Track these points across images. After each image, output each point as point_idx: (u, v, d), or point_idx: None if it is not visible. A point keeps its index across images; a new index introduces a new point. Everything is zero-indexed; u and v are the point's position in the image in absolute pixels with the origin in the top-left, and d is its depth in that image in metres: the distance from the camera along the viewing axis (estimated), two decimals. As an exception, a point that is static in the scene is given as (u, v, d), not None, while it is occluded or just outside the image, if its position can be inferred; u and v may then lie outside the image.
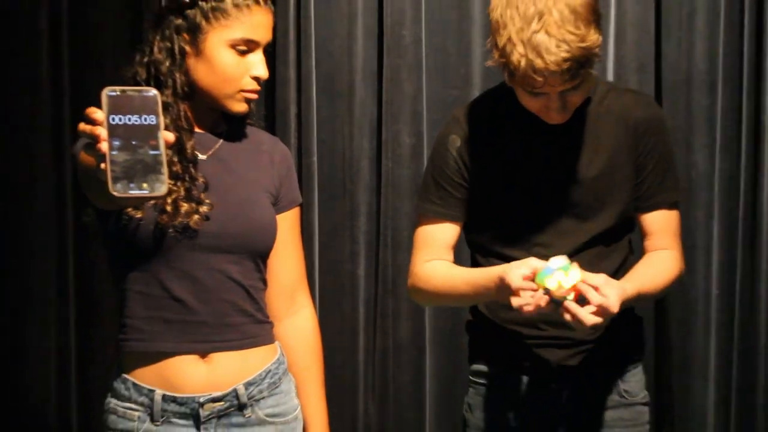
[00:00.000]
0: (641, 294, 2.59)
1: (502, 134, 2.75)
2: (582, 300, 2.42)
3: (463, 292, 2.70)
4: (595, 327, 2.44)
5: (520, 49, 2.44)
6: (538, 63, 2.43)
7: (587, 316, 2.41)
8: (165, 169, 1.89)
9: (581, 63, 2.46)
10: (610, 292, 2.43)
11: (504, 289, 2.48)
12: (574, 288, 2.42)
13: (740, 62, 3.89)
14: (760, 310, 3.91)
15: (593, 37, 2.48)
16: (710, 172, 3.93)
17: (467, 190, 2.76)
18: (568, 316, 2.43)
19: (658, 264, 2.73)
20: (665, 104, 3.93)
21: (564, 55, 2.42)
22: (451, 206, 2.78)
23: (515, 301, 2.44)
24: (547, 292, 2.41)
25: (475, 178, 2.76)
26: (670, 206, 2.79)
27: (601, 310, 2.41)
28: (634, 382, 2.82)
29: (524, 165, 2.72)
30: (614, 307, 2.42)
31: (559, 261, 2.44)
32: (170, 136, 1.93)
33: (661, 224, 2.78)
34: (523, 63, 2.44)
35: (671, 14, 3.94)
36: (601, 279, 2.45)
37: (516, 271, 2.45)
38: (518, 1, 2.47)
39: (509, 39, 2.46)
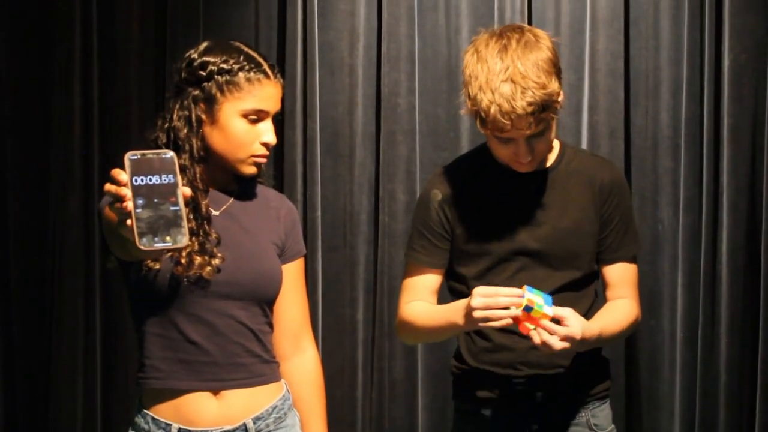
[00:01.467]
0: (603, 334, 2.63)
1: (480, 190, 2.78)
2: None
3: (436, 324, 2.73)
4: (563, 351, 2.49)
5: (489, 96, 2.51)
6: (506, 107, 2.49)
7: (557, 341, 2.47)
8: (185, 222, 1.92)
9: (543, 107, 2.53)
10: (574, 323, 2.49)
11: (470, 315, 2.54)
12: (546, 316, 2.48)
13: (700, 129, 3.90)
14: (721, 351, 3.89)
15: (553, 86, 2.55)
16: (675, 227, 3.93)
17: (448, 240, 2.79)
18: (537, 339, 2.47)
19: (618, 311, 2.76)
20: (634, 166, 3.95)
21: (528, 99, 2.50)
22: (433, 255, 2.80)
23: (490, 323, 2.50)
24: (527, 308, 2.47)
25: (455, 229, 2.78)
26: (630, 260, 2.81)
27: (566, 338, 2.47)
28: (603, 416, 2.82)
29: (500, 217, 2.75)
30: (578, 335, 2.49)
31: (536, 291, 2.51)
32: (187, 191, 1.95)
33: (621, 276, 2.80)
34: (492, 108, 2.51)
35: (639, 86, 3.95)
36: (567, 311, 2.51)
37: (479, 297, 2.51)
38: (487, 56, 2.55)
39: (480, 88, 2.53)
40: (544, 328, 2.48)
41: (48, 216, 3.95)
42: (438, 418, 3.89)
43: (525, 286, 2.52)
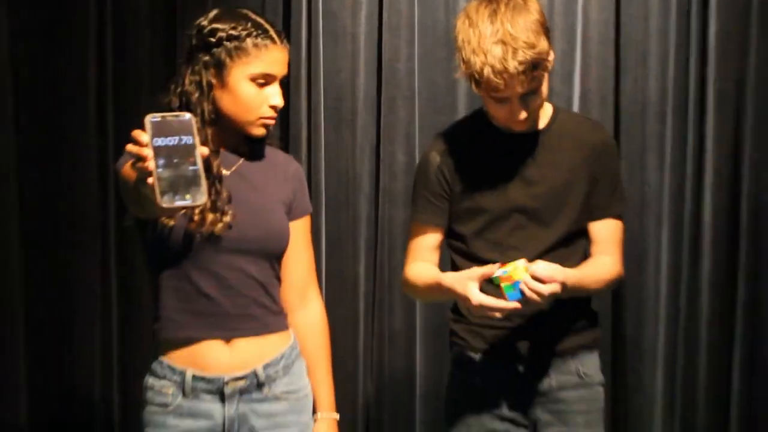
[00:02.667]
0: (582, 282, 2.65)
1: (477, 151, 2.78)
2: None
3: (429, 291, 2.76)
4: (551, 298, 2.51)
5: (482, 58, 2.52)
6: (498, 67, 2.51)
7: (545, 287, 2.48)
8: (204, 181, 1.93)
9: (534, 66, 2.55)
10: (553, 267, 2.52)
11: (456, 295, 2.58)
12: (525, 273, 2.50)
13: (686, 95, 3.90)
14: (702, 305, 3.91)
15: (542, 45, 2.57)
16: (660, 187, 3.93)
17: (447, 200, 2.80)
18: (529, 293, 2.49)
19: (600, 266, 2.77)
20: (623, 130, 3.94)
21: (519, 59, 2.52)
22: (434, 214, 2.81)
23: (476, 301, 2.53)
24: (498, 286, 2.50)
25: (453, 188, 2.79)
26: (616, 217, 2.82)
27: (551, 281, 2.49)
28: (592, 365, 2.84)
29: (496, 177, 2.75)
30: (560, 274, 2.51)
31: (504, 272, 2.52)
32: (205, 150, 1.96)
33: (606, 232, 2.81)
34: (486, 70, 2.52)
35: (628, 54, 3.94)
36: (540, 264, 2.53)
37: (474, 293, 2.53)
38: (478, 21, 2.56)
39: (473, 51, 2.54)
40: (528, 286, 2.50)
41: (65, 178, 3.96)
42: (435, 366, 3.91)
43: (497, 265, 2.53)
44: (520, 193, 2.75)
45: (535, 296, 2.49)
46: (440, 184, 2.80)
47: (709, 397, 3.94)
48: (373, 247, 4.04)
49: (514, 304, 2.50)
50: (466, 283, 2.55)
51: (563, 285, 2.52)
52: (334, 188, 4.02)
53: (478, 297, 2.52)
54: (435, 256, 2.85)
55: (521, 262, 2.52)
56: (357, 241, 4.04)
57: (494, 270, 2.52)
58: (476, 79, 2.57)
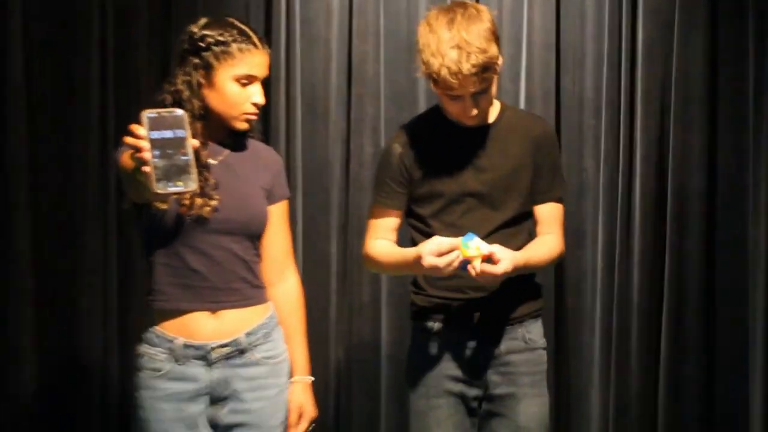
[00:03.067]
0: (529, 262, 2.67)
1: (434, 143, 2.79)
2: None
3: (397, 265, 2.76)
4: (500, 277, 2.55)
5: (439, 60, 2.53)
6: (454, 69, 2.52)
7: (496, 267, 2.51)
8: (194, 170, 1.93)
9: (485, 68, 2.56)
10: (503, 255, 2.53)
11: (421, 266, 2.57)
12: (484, 254, 2.52)
13: (618, 93, 3.92)
14: (634, 277, 3.94)
15: (493, 50, 2.59)
16: (597, 174, 3.94)
17: (407, 186, 2.80)
18: (473, 272, 2.52)
19: (544, 244, 2.79)
20: (563, 124, 3.95)
21: (473, 62, 2.53)
22: (395, 199, 2.81)
23: (437, 263, 2.53)
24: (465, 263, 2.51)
25: (413, 176, 2.79)
26: (557, 200, 2.84)
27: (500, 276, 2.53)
28: (536, 332, 2.85)
29: (450, 165, 2.76)
30: (508, 263, 2.53)
31: (473, 236, 2.53)
32: (195, 142, 1.97)
33: (549, 214, 2.82)
34: (443, 71, 2.53)
35: (568, 57, 3.95)
36: (497, 246, 2.55)
37: (427, 256, 2.54)
38: (437, 28, 2.57)
39: (432, 54, 2.55)
40: (484, 270, 2.52)
41: (71, 166, 3.92)
42: (399, 335, 3.90)
43: (461, 238, 2.53)
44: (472, 180, 2.75)
45: (478, 275, 2.51)
46: (401, 172, 2.80)
47: (641, 359, 3.97)
48: (344, 228, 4.03)
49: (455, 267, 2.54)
50: (422, 246, 2.57)
51: (514, 266, 2.54)
52: (309, 176, 4.00)
53: (425, 248, 2.56)
54: (394, 236, 2.85)
55: (474, 243, 2.52)
56: (329, 223, 4.03)
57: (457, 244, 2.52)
58: (434, 78, 2.58)
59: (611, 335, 3.97)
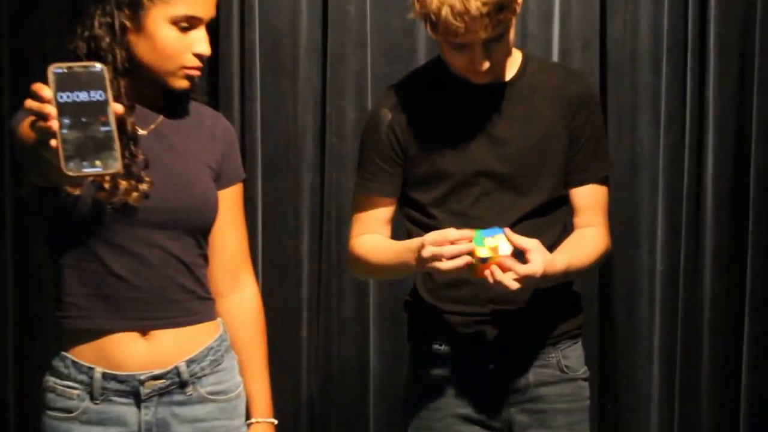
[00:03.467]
0: (569, 268, 2.64)
1: (435, 106, 2.78)
2: (519, 255, 2.51)
3: (389, 263, 2.75)
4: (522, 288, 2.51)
5: None
6: (458, 7, 2.49)
7: (511, 281, 2.48)
8: (117, 145, 1.91)
9: (500, 7, 2.53)
10: (537, 258, 2.50)
11: (422, 260, 2.54)
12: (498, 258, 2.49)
13: (684, 40, 3.93)
14: (704, 286, 3.95)
15: None
16: (655, 148, 3.97)
17: (401, 165, 2.79)
18: (491, 279, 2.49)
19: (586, 241, 2.78)
20: (610, 82, 3.98)
21: None
22: (385, 182, 2.81)
23: (438, 265, 2.50)
24: (484, 260, 2.48)
25: (408, 151, 2.78)
26: (599, 181, 2.84)
27: (525, 277, 2.48)
28: (574, 357, 2.86)
29: (458, 137, 2.75)
30: (539, 272, 2.49)
31: (498, 230, 2.51)
32: (119, 108, 1.95)
33: (590, 200, 2.82)
34: (444, 10, 2.51)
35: (616, -9, 3.98)
36: (533, 243, 2.52)
37: (429, 245, 2.51)
38: None
39: None
40: (501, 266, 2.49)
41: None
42: (391, 362, 3.93)
43: (475, 231, 2.52)
44: (487, 155, 2.75)
45: (496, 283, 2.49)
46: (392, 145, 2.79)
47: (714, 396, 3.98)
48: (318, 219, 4.04)
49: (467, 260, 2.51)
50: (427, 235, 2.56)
51: (533, 278, 2.51)
52: (271, 150, 4.02)
53: (428, 237, 2.54)
54: (386, 231, 2.85)
55: (492, 240, 2.51)
56: (299, 212, 4.05)
57: (471, 235, 2.52)
58: (432, 21, 2.56)
59: (674, 363, 3.98)
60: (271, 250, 4.02)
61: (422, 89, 2.82)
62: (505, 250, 2.50)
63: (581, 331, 2.91)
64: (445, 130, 2.77)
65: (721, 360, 3.98)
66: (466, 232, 2.52)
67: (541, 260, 2.51)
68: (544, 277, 2.53)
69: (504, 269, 2.49)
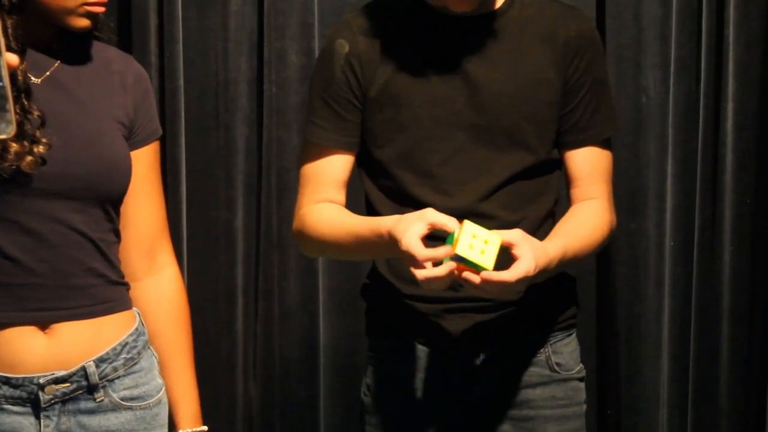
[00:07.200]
0: (566, 254, 2.61)
1: (402, 40, 2.76)
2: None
3: (348, 246, 2.72)
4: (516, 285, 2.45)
5: None
6: None
7: (509, 273, 2.41)
8: (11, 105, 1.91)
9: None
10: (525, 252, 2.43)
11: (398, 251, 2.46)
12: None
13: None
14: (723, 263, 3.97)
15: None
16: (664, 97, 3.98)
17: (359, 109, 2.77)
18: (477, 279, 2.41)
19: (587, 220, 2.76)
20: (609, 15, 3.99)
21: None
22: (340, 129, 2.78)
23: (420, 274, 2.41)
24: (459, 259, 2.41)
25: (368, 92, 2.76)
26: (602, 144, 2.82)
27: (520, 281, 2.42)
28: (567, 353, 2.87)
29: (429, 78, 2.73)
30: (531, 267, 2.42)
31: (477, 228, 2.43)
32: (14, 59, 1.94)
33: (590, 165, 2.81)
34: None
35: None
36: (516, 235, 2.46)
37: (412, 236, 2.42)
38: None
39: None
40: (487, 280, 2.42)
41: None
42: (345, 359, 3.95)
43: (465, 221, 2.47)
44: (462, 101, 2.73)
45: (480, 285, 2.45)
46: (349, 85, 2.78)
47: (734, 397, 4.02)
48: (256, 187, 4.05)
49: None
50: (411, 227, 2.46)
51: (537, 266, 2.47)
52: (197, 102, 4.02)
53: (423, 253, 2.42)
54: (341, 196, 2.82)
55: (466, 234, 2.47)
56: (232, 178, 4.05)
57: (452, 227, 2.47)
58: None
59: (687, 359, 4.01)
60: (198, 224, 4.01)
61: (388, 18, 2.80)
62: (487, 246, 2.44)
63: (575, 321, 2.92)
64: (412, 69, 2.74)
65: (744, 352, 4.01)
66: (450, 224, 2.45)
67: (530, 253, 2.45)
68: (540, 271, 2.48)
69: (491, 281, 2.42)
